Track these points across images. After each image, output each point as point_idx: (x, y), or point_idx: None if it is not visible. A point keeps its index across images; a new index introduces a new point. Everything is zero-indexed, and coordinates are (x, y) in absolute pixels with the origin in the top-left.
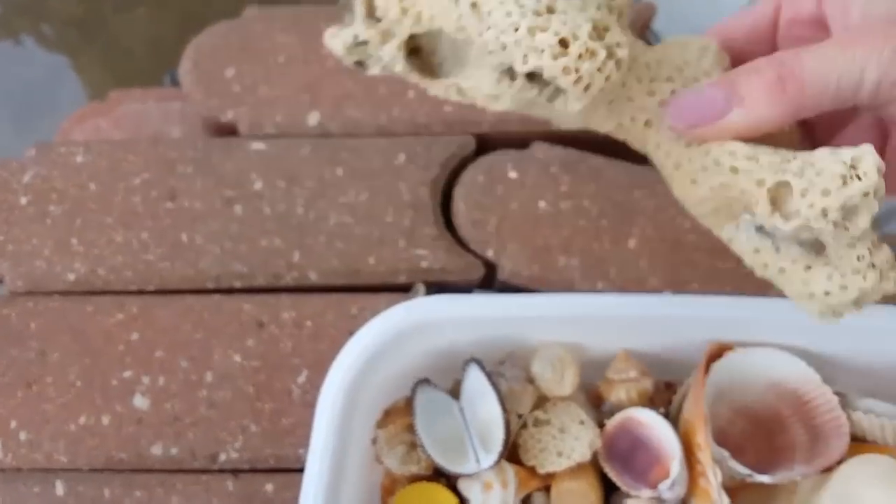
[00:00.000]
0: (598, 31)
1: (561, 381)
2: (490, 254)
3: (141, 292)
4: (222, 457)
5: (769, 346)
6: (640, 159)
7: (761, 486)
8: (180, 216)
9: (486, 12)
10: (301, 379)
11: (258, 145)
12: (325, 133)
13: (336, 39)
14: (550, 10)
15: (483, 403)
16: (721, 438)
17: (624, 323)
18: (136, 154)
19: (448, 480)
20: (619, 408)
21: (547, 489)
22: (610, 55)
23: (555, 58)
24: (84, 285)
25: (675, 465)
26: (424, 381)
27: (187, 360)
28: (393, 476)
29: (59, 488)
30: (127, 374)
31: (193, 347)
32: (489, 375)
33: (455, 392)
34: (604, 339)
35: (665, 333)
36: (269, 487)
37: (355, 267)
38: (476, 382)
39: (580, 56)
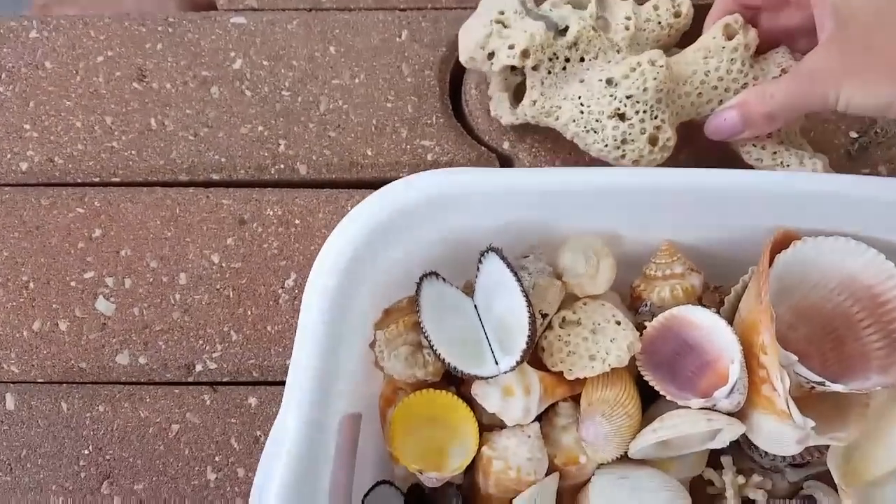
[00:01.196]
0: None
1: (595, 277)
2: (506, 146)
3: (104, 184)
4: (198, 367)
5: (843, 234)
6: None
7: (828, 399)
8: (149, 99)
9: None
10: (289, 283)
11: (238, 19)
12: (316, 6)
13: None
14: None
15: (502, 299)
16: (783, 344)
17: (668, 204)
18: (99, 29)
19: (458, 391)
20: (660, 309)
21: (575, 399)
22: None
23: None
24: (39, 176)
25: (735, 368)
26: (432, 274)
27: (157, 261)
28: (395, 384)
29: (10, 402)
30: (88, 274)
31: (164, 246)
32: (510, 265)
33: (468, 291)
34: (644, 227)
35: (719, 218)
36: (252, 401)
37: (350, 159)
38: (494, 275)
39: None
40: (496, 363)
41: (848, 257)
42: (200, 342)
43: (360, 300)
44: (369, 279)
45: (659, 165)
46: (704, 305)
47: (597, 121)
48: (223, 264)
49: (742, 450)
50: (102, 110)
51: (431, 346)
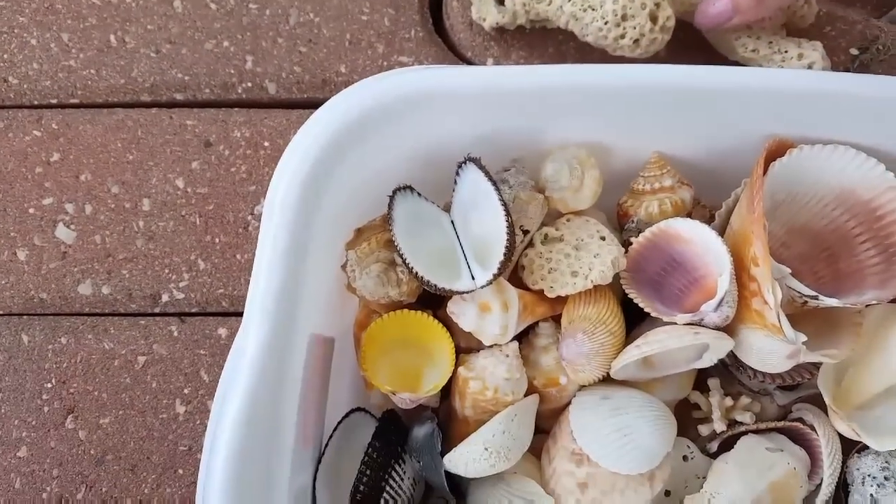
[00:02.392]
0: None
1: (579, 190)
2: (490, 62)
3: (62, 106)
4: (164, 297)
5: (840, 143)
6: None
7: (820, 317)
8: (108, 14)
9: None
10: (259, 209)
11: None
12: None
13: None
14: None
15: (480, 213)
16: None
17: (657, 106)
18: None
19: (434, 313)
20: (647, 225)
21: (556, 319)
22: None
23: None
24: None
25: (724, 279)
26: (406, 188)
27: (119, 186)
28: (369, 308)
29: None
30: (47, 201)
31: (126, 170)
32: (489, 174)
33: (447, 209)
34: (631, 135)
35: (711, 125)
36: (222, 332)
37: (322, 76)
38: (472, 187)
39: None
40: (473, 278)
41: (846, 168)
42: (166, 271)
43: (327, 215)
44: (336, 193)
45: (652, 59)
46: (690, 217)
47: None
48: (188, 189)
49: (730, 373)
50: (59, 26)
51: (405, 261)
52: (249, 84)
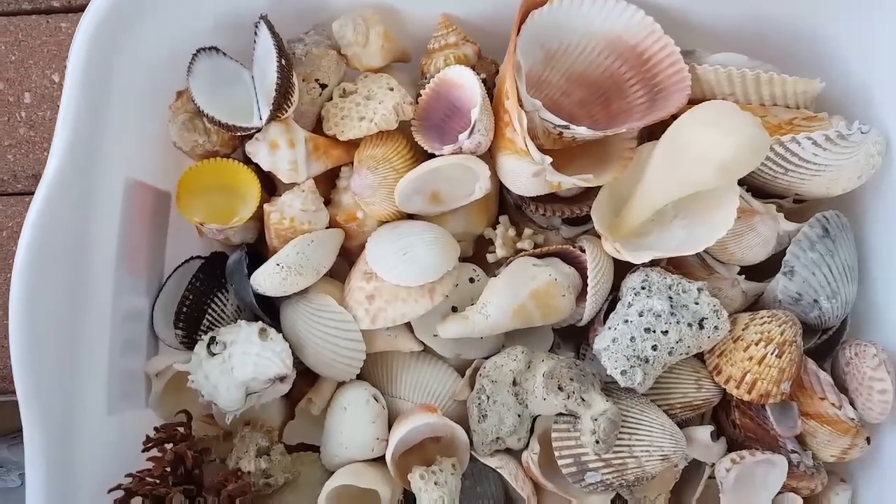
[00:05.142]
0: None
1: (366, 46)
2: None
3: None
4: None
5: None
6: None
7: (597, 152)
8: None
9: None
10: None
11: None
12: None
13: None
14: None
15: (270, 63)
16: (555, 109)
17: None
18: None
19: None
20: None
21: None
22: None
23: None
24: None
25: (475, 111)
26: (211, 49)
27: (3, 83)
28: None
29: None
30: None
31: (9, 69)
32: (271, 27)
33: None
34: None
35: None
36: None
37: None
38: (265, 43)
39: None
40: (261, 118)
41: (610, 18)
42: (46, 154)
43: (134, 73)
44: (142, 53)
45: None
46: (474, 69)
47: None
48: (63, 83)
49: (522, 213)
50: None
51: (199, 109)
52: None
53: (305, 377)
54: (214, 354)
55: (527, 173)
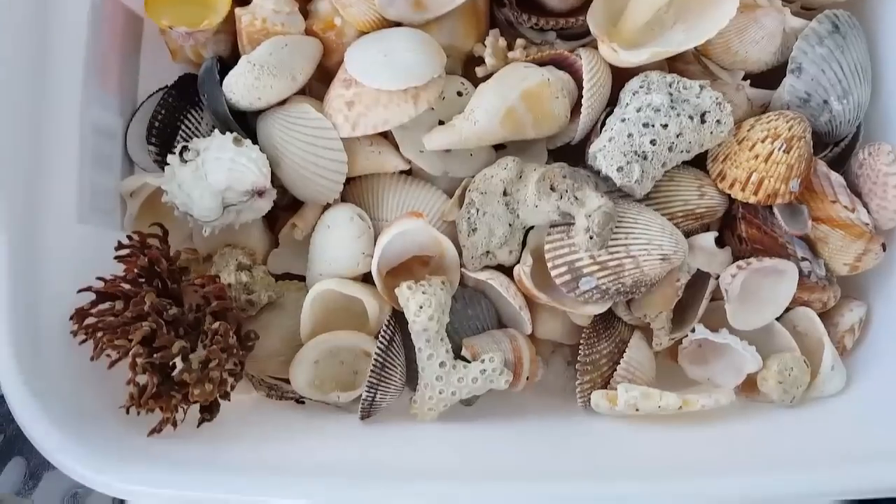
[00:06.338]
0: None
1: None
2: None
3: None
4: None
5: None
6: None
7: None
8: None
9: None
10: None
11: None
12: None
13: None
14: None
15: None
16: None
17: None
18: None
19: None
20: None
21: None
22: None
23: None
24: None
25: None
26: None
27: None
28: None
29: None
30: None
31: None
32: None
33: None
34: None
35: None
36: None
37: None
38: None
39: None
40: None
41: None
42: None
43: None
44: None
45: None
46: None
47: None
48: None
49: (515, 31)
50: None
51: None
52: None
53: (290, 211)
54: (186, 161)
55: None
